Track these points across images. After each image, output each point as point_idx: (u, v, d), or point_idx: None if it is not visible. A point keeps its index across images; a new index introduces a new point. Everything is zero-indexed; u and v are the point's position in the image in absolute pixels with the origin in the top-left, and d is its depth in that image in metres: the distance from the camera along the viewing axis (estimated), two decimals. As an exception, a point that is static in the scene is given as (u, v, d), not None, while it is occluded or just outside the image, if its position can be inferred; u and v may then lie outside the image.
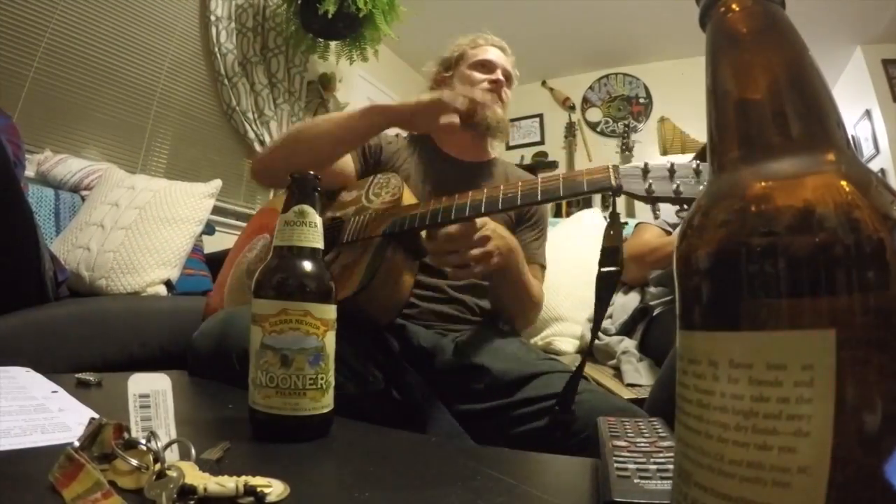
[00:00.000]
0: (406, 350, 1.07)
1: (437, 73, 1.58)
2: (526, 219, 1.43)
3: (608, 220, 0.93)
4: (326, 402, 0.64)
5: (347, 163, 1.37)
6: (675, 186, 0.86)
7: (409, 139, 1.52)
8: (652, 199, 0.88)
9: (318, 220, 0.70)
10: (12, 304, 1.26)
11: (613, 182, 0.89)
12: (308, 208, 0.68)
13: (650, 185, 0.87)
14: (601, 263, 0.92)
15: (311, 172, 0.70)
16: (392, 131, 1.31)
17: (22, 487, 0.41)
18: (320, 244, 0.69)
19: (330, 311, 0.66)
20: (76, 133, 2.50)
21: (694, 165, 0.86)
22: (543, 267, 1.44)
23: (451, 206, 1.00)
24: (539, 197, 0.95)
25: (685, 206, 0.88)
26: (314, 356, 0.63)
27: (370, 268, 1.03)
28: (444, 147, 1.47)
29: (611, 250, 0.91)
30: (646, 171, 0.89)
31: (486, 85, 1.44)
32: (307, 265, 0.67)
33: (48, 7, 2.34)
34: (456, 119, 1.14)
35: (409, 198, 1.15)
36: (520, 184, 0.97)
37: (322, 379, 0.63)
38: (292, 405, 0.61)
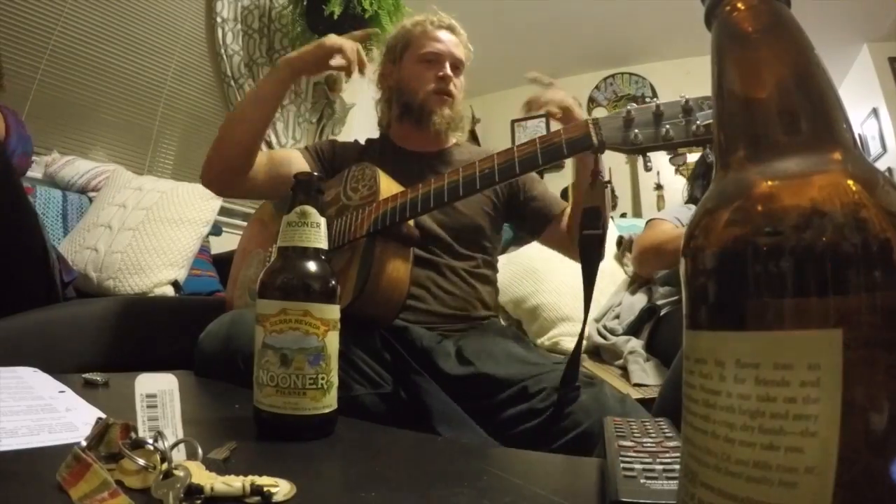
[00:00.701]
0: (409, 353, 1.06)
1: (382, 64, 1.54)
2: (519, 189, 1.40)
3: (590, 178, 0.90)
4: (328, 403, 0.64)
5: (301, 164, 1.36)
6: (663, 132, 0.81)
7: (367, 143, 1.50)
8: (640, 150, 0.84)
9: (321, 221, 0.69)
10: (20, 305, 1.27)
11: (595, 139, 0.85)
12: (309, 209, 0.68)
13: (635, 134, 0.82)
14: (583, 226, 0.89)
15: (314, 173, 0.70)
16: (348, 137, 1.34)
17: (30, 487, 0.41)
18: (323, 244, 0.69)
19: (331, 311, 0.66)
20: (83, 135, 2.51)
21: (682, 102, 0.81)
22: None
23: (429, 192, 0.99)
24: (517, 168, 0.91)
25: (679, 153, 0.84)
26: (314, 356, 0.63)
27: (361, 273, 1.03)
28: (401, 143, 1.44)
29: (592, 211, 0.88)
30: (629, 119, 0.84)
31: (431, 86, 1.37)
32: (309, 265, 0.67)
33: (55, 10, 2.36)
34: (342, 61, 1.20)
35: (386, 184, 1.14)
36: (495, 156, 0.94)
37: (323, 379, 0.63)
38: (293, 404, 0.62)
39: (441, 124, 1.36)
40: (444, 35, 1.42)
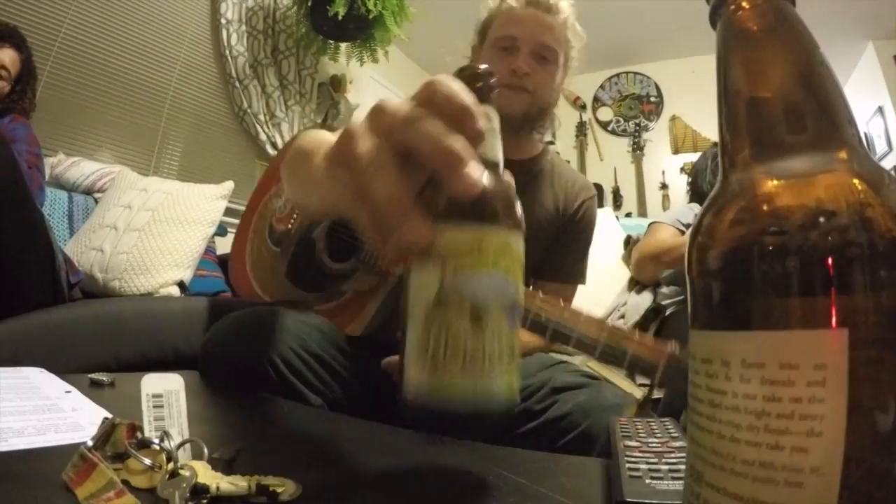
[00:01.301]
0: None
1: (474, 42, 1.31)
2: (571, 230, 1.26)
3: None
4: (518, 381, 0.44)
5: None
6: None
7: None
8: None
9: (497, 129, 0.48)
10: (27, 306, 1.27)
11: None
12: (494, 111, 0.48)
13: None
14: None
15: (485, 66, 0.48)
16: None
17: (35, 486, 0.41)
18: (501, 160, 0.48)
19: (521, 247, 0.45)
20: (89, 136, 2.52)
21: None
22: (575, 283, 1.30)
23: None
24: (597, 355, 0.87)
25: None
26: (512, 310, 0.42)
27: (381, 312, 1.01)
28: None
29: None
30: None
31: (505, 75, 1.15)
32: (506, 183, 0.46)
33: (60, 12, 2.37)
34: None
35: None
36: (594, 325, 0.89)
37: (517, 346, 0.43)
38: (484, 389, 0.41)
39: (511, 126, 1.15)
40: (529, 14, 1.19)
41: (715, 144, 1.61)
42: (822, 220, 0.24)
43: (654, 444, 0.52)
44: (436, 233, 0.39)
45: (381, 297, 1.02)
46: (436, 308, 0.40)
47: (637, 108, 5.16)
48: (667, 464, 0.46)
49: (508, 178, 0.46)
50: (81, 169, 2.17)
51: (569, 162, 5.16)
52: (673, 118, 4.91)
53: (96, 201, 2.09)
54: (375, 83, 4.24)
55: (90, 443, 0.43)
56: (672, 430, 0.58)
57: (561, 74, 1.23)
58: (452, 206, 0.41)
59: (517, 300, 0.42)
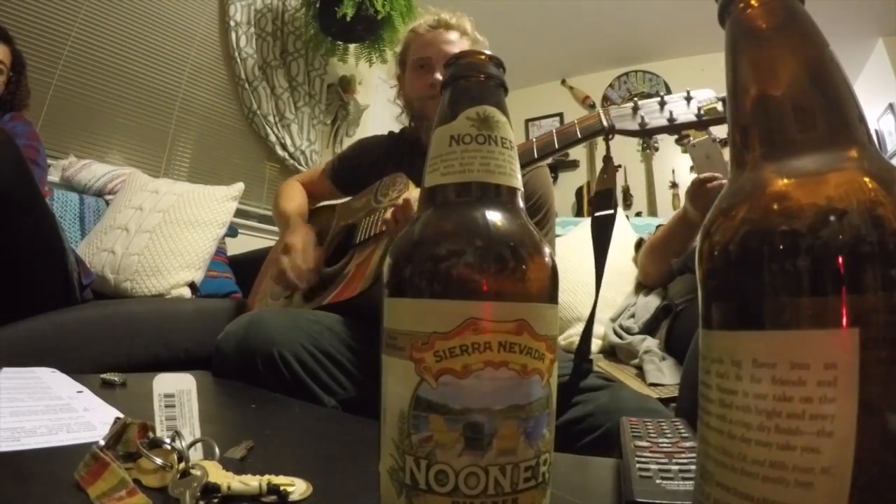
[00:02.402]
0: None
1: (397, 72, 1.49)
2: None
3: (602, 163, 0.95)
4: None
5: (325, 193, 1.50)
6: (667, 115, 0.87)
7: (394, 137, 1.52)
8: (647, 132, 0.90)
9: (513, 139, 0.37)
10: (39, 307, 1.28)
11: (605, 123, 0.91)
12: (495, 112, 0.36)
13: (642, 119, 0.89)
14: (595, 208, 0.92)
15: (487, 53, 0.38)
16: (365, 129, 1.38)
17: (48, 485, 0.42)
18: (518, 183, 0.37)
19: (554, 317, 0.34)
20: (100, 139, 2.54)
21: (685, 94, 0.88)
22: None
23: None
24: (536, 154, 0.95)
25: (686, 138, 0.90)
26: (536, 420, 0.31)
27: (382, 257, 1.04)
28: (423, 138, 1.40)
29: (604, 193, 0.92)
30: (636, 108, 0.90)
31: (425, 93, 1.31)
32: (507, 221, 0.34)
33: (70, 16, 2.39)
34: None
35: (415, 193, 1.14)
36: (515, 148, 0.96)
37: (545, 463, 0.32)
38: None
39: None
40: (436, 36, 1.34)
41: (714, 141, 1.62)
42: (832, 218, 0.24)
43: (665, 445, 0.52)
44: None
45: (379, 251, 1.08)
46: (410, 419, 0.31)
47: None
48: (677, 464, 0.46)
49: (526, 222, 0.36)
50: (92, 171, 2.18)
51: (578, 162, 5.18)
52: (682, 117, 4.88)
53: (107, 203, 2.10)
54: (384, 84, 4.23)
55: (102, 442, 0.43)
56: (682, 431, 0.58)
57: None
58: (402, 266, 0.34)
59: (541, 400, 0.32)
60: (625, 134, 0.91)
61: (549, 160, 1.01)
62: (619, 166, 1.05)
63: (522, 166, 0.95)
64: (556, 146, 0.94)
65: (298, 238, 1.28)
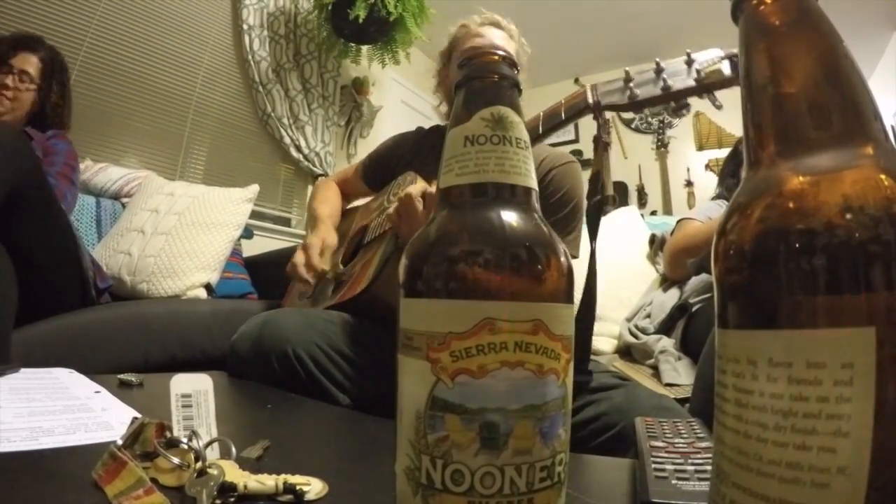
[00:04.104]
0: None
1: (438, 68, 1.51)
2: (550, 198, 1.30)
3: (593, 143, 0.90)
4: None
5: (358, 192, 1.52)
6: (661, 84, 0.81)
7: (416, 134, 1.53)
8: (638, 105, 0.84)
9: (528, 139, 0.37)
10: (56, 309, 1.29)
11: (591, 99, 0.86)
12: (509, 112, 0.36)
13: (631, 91, 0.83)
14: (588, 195, 0.90)
15: (501, 52, 0.37)
16: (375, 140, 1.37)
17: (66, 484, 0.42)
18: (533, 183, 0.36)
19: (570, 317, 0.35)
20: (116, 142, 2.57)
21: (685, 57, 0.82)
22: None
23: None
24: None
25: (681, 107, 0.84)
26: (552, 420, 0.31)
27: (383, 255, 1.05)
28: None
29: (592, 178, 0.89)
30: (627, 79, 0.85)
31: None
32: (523, 221, 0.35)
33: (84, 22, 2.42)
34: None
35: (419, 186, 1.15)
36: None
37: (561, 463, 0.32)
38: None
39: None
40: (486, 31, 1.36)
41: (740, 141, 1.58)
42: (848, 216, 0.24)
43: (681, 445, 0.52)
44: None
45: (382, 249, 1.09)
46: (427, 418, 0.31)
47: (660, 111, 5.11)
48: (693, 464, 0.45)
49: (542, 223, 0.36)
50: (109, 174, 2.20)
51: (589, 160, 5.12)
52: (697, 115, 4.84)
53: (123, 206, 2.12)
54: (397, 85, 4.25)
55: (120, 442, 0.44)
56: (698, 431, 0.58)
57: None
58: (419, 266, 0.34)
59: (557, 399, 0.32)
60: (613, 109, 0.85)
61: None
62: (609, 145, 1.01)
63: None
64: (541, 130, 0.90)
65: (318, 239, 1.30)
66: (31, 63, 1.76)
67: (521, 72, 1.38)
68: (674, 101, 0.83)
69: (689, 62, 0.81)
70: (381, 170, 1.47)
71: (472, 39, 1.36)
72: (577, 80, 5.35)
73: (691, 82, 0.82)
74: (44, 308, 1.27)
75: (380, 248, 1.10)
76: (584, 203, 1.31)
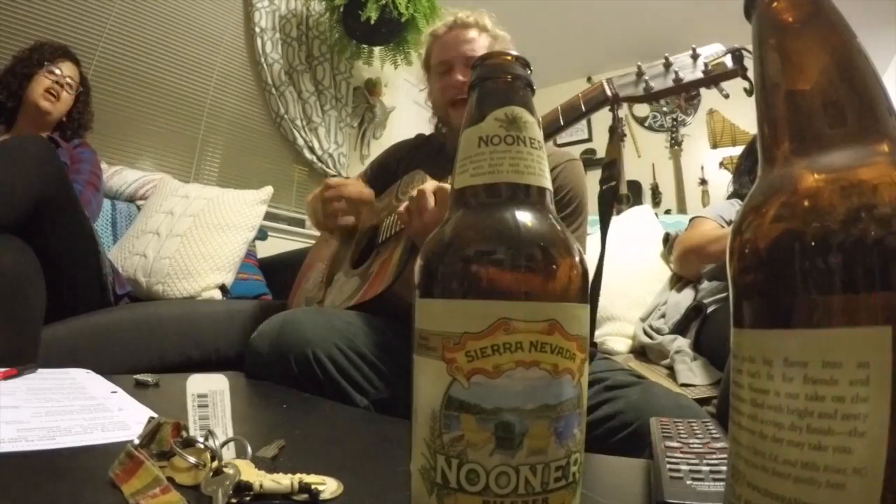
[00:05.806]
0: None
1: (424, 75, 1.49)
2: (555, 196, 1.31)
3: (608, 133, 0.92)
4: None
5: None
6: (673, 76, 0.85)
7: (415, 140, 1.53)
8: (654, 97, 0.87)
9: (541, 139, 0.38)
10: (74, 309, 1.31)
11: (609, 92, 0.89)
12: (523, 112, 0.36)
13: (646, 84, 0.86)
14: (602, 181, 0.90)
15: (513, 54, 0.38)
16: (388, 141, 1.38)
17: (84, 483, 0.43)
18: (548, 183, 0.37)
19: (585, 316, 0.34)
20: (130, 145, 2.59)
21: (690, 52, 0.85)
22: None
23: None
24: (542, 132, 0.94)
25: (692, 97, 0.86)
26: (566, 419, 0.31)
27: (403, 255, 1.05)
28: (448, 143, 1.40)
29: (607, 164, 0.90)
30: (640, 73, 0.88)
31: (447, 97, 1.32)
32: (538, 221, 0.35)
33: (98, 26, 2.44)
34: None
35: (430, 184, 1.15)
36: None
37: (576, 463, 0.32)
38: None
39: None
40: (454, 37, 1.34)
41: (755, 137, 1.57)
42: (864, 214, 0.24)
43: (696, 445, 0.51)
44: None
45: (401, 248, 1.09)
46: (442, 418, 0.31)
47: (674, 102, 5.07)
48: (708, 465, 0.45)
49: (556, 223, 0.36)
50: (124, 177, 2.22)
51: (601, 160, 5.07)
52: (711, 112, 4.80)
53: (139, 208, 2.14)
54: (410, 85, 4.25)
55: (136, 441, 0.44)
56: (713, 431, 0.57)
57: None
58: (434, 267, 0.34)
59: (572, 400, 0.32)
60: (630, 101, 0.88)
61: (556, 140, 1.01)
62: (624, 136, 1.01)
63: None
64: (562, 123, 0.92)
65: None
66: (73, 71, 1.81)
67: None
68: (685, 92, 0.85)
69: (695, 56, 0.84)
70: (382, 176, 1.47)
71: (439, 52, 1.36)
72: (589, 79, 5.33)
73: (700, 74, 0.85)
74: (62, 311, 1.28)
75: (398, 245, 1.10)
76: (587, 200, 1.32)
